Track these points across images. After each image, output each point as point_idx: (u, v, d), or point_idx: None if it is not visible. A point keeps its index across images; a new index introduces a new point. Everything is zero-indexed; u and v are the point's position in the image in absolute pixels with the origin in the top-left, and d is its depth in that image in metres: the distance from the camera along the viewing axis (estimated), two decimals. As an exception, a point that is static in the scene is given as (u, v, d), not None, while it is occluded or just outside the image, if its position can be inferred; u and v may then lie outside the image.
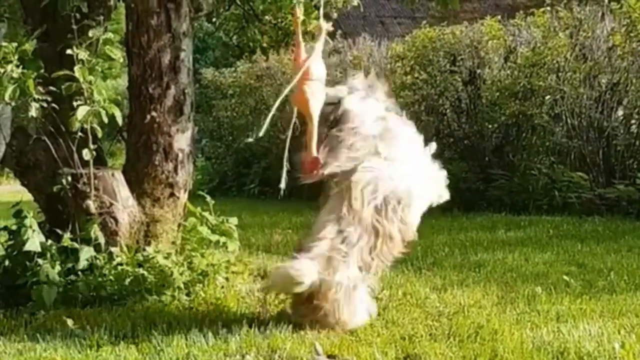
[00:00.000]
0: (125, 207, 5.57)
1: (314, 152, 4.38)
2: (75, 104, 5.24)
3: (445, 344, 4.09)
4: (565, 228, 7.92)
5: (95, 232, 5.38)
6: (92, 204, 5.46)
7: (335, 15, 10.66)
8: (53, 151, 5.52)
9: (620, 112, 9.46)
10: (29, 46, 5.58)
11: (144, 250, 5.54)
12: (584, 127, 9.37)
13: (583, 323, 4.39)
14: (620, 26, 9.31)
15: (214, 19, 10.29)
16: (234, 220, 6.02)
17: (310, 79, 4.45)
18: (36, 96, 5.29)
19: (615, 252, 6.51)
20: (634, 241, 6.99)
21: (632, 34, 9.10)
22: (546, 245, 6.98)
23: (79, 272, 5.31)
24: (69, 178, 5.47)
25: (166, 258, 5.47)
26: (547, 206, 9.23)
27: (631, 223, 8.12)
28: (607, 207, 8.76)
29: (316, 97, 4.44)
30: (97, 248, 5.40)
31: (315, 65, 4.47)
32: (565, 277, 5.53)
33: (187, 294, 5.37)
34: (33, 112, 5.32)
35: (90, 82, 5.27)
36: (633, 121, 9.46)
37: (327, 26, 4.73)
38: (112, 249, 5.44)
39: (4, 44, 5.26)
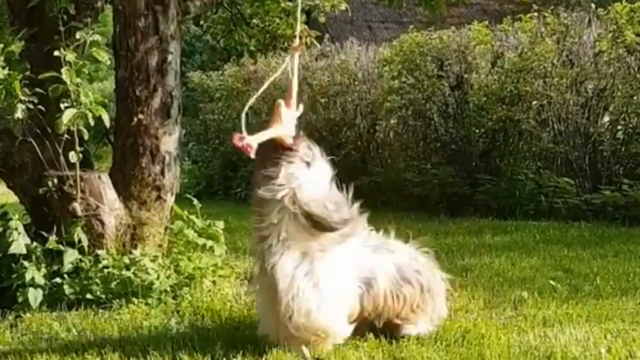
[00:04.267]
0: (112, 209, 5.56)
1: (253, 141, 3.95)
2: (62, 106, 5.22)
3: (432, 348, 4.09)
4: (552, 233, 7.94)
5: (79, 234, 5.35)
6: (78, 207, 5.44)
7: (323, 19, 10.69)
8: (39, 153, 5.50)
9: (606, 118, 9.48)
10: (16, 47, 5.56)
11: (131, 253, 5.53)
12: (570, 132, 9.39)
13: (569, 328, 4.39)
14: (607, 32, 9.34)
15: (201, 22, 10.27)
16: (220, 224, 6.02)
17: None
18: (22, 98, 5.26)
19: (601, 257, 6.52)
20: (619, 246, 7.01)
21: (618, 40, 9.13)
22: (532, 250, 6.99)
23: (65, 275, 5.29)
24: (55, 180, 5.46)
25: (153, 261, 5.45)
26: (533, 211, 9.24)
27: (617, 228, 8.14)
28: (593, 213, 8.79)
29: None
30: (82, 250, 5.38)
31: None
32: (551, 282, 5.54)
33: (174, 298, 5.36)
34: (19, 114, 5.30)
35: (77, 84, 5.25)
36: (619, 127, 9.48)
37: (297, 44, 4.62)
38: (99, 252, 5.43)
39: (-10, 45, 5.25)
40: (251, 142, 3.90)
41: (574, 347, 4.03)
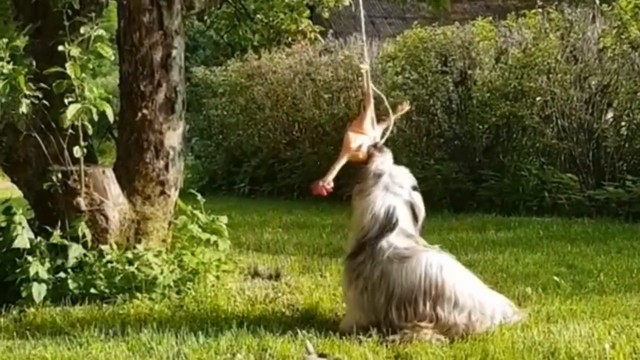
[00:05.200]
0: (116, 204, 5.56)
1: (330, 180, 4.46)
2: (66, 101, 5.22)
3: (436, 344, 4.09)
4: (555, 229, 7.94)
5: (83, 229, 5.35)
6: (82, 201, 5.44)
7: (327, 14, 10.67)
8: (43, 148, 5.51)
9: (610, 114, 9.47)
10: (20, 42, 5.56)
11: (135, 248, 5.53)
12: (574, 128, 9.38)
13: (573, 324, 4.39)
14: (611, 28, 9.33)
15: (205, 18, 10.26)
16: (223, 219, 6.01)
17: (363, 132, 4.65)
18: (27, 92, 5.26)
19: (605, 254, 6.52)
20: (623, 242, 7.01)
21: (622, 36, 9.12)
22: (536, 246, 6.99)
23: (69, 270, 5.29)
24: (59, 175, 5.46)
25: (156, 256, 5.46)
26: (537, 207, 9.24)
27: (620, 225, 8.14)
28: (596, 209, 8.78)
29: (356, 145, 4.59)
30: (86, 245, 5.38)
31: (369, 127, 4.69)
32: (555, 278, 5.53)
33: (178, 292, 5.37)
34: (23, 109, 5.30)
35: (81, 80, 5.25)
36: (623, 123, 9.48)
37: (365, 67, 5.01)
38: (102, 247, 5.43)
39: (-5, 39, 5.25)
40: (326, 182, 4.45)
41: (578, 343, 4.03)
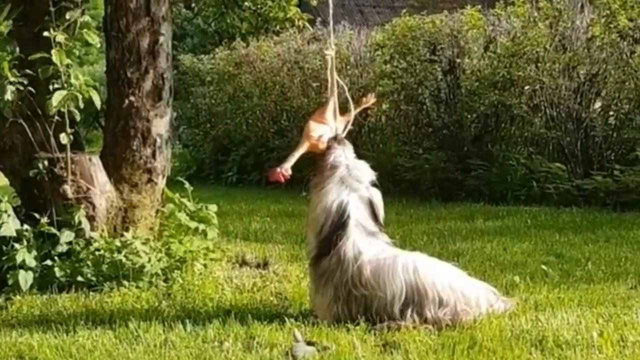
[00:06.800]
0: (103, 192, 5.53)
1: (288, 167, 4.38)
2: (51, 87, 5.18)
3: (424, 332, 4.08)
4: (543, 218, 7.95)
5: (80, 217, 5.32)
6: (68, 189, 5.41)
7: (315, 2, 10.64)
8: (29, 135, 5.46)
9: (598, 104, 9.48)
10: (3, 27, 5.50)
11: (122, 235, 5.51)
12: (562, 118, 9.38)
13: (561, 312, 4.40)
14: (600, 17, 9.32)
15: (192, 5, 10.23)
16: (213, 207, 5.99)
17: (325, 122, 4.56)
18: (12, 79, 5.22)
19: (592, 243, 6.53)
20: (611, 232, 7.02)
21: (611, 25, 9.12)
22: (524, 235, 6.99)
23: (56, 257, 5.26)
24: (46, 162, 5.42)
25: (144, 244, 5.44)
26: (525, 196, 9.24)
27: (608, 214, 8.15)
28: (584, 198, 8.79)
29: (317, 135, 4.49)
30: (79, 233, 5.34)
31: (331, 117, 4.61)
32: (543, 267, 5.55)
33: (165, 281, 5.35)
34: (8, 95, 5.26)
35: (67, 66, 5.21)
36: (611, 112, 9.48)
37: (330, 54, 4.83)
38: (90, 234, 5.39)
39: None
40: (284, 169, 4.35)
41: (565, 331, 4.04)
